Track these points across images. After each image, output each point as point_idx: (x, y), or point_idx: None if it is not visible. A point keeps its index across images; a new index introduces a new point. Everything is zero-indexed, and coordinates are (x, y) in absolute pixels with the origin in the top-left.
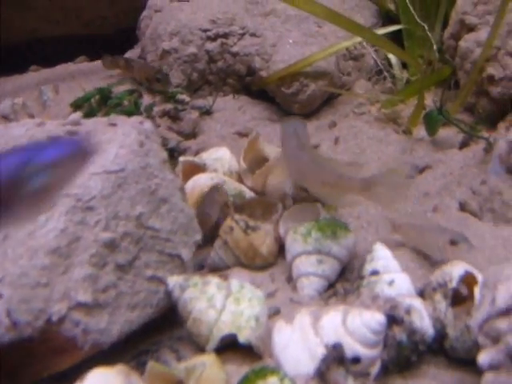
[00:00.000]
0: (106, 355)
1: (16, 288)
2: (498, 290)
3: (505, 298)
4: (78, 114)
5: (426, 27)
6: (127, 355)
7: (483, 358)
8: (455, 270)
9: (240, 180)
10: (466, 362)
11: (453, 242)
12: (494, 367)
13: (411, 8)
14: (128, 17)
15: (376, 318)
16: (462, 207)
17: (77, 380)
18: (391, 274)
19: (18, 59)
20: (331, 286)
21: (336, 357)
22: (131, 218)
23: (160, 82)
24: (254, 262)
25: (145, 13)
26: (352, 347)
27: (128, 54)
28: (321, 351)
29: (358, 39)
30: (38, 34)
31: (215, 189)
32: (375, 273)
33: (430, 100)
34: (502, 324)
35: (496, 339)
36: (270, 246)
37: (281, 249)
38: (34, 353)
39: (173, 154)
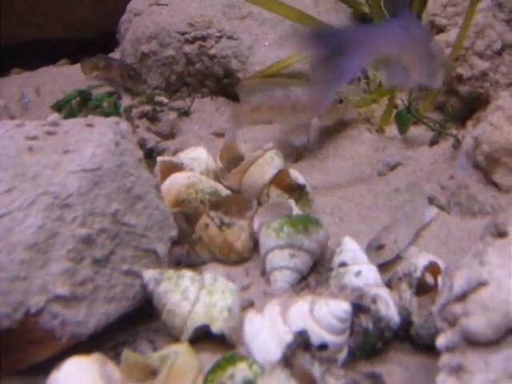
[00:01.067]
0: (84, 346)
1: None
2: (456, 277)
3: (461, 284)
4: (56, 116)
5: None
6: (105, 346)
7: (441, 341)
8: (420, 261)
9: (217, 179)
10: (430, 347)
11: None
12: (450, 349)
13: (385, 11)
14: (109, 21)
15: (342, 307)
16: (431, 202)
17: (53, 370)
18: (358, 265)
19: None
20: (303, 278)
21: (301, 343)
22: (107, 215)
23: (132, 78)
24: (229, 257)
25: (124, 16)
26: (319, 334)
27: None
28: (289, 339)
29: None
30: (19, 38)
31: None
32: (343, 264)
33: (401, 99)
34: (457, 308)
35: (452, 323)
36: (244, 242)
37: (255, 244)
38: (14, 344)
39: (151, 154)
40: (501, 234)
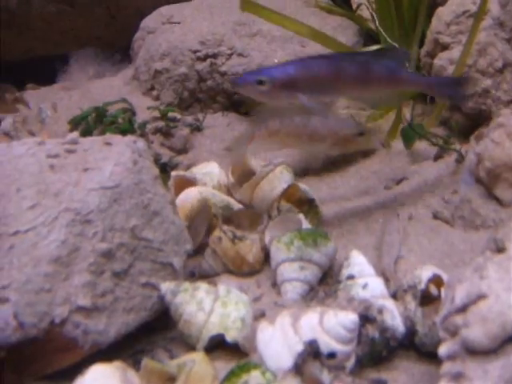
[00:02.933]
0: (105, 354)
1: (22, 293)
2: (457, 290)
3: (461, 296)
4: (75, 134)
5: (398, 47)
6: (124, 354)
7: (442, 350)
8: (424, 273)
9: (228, 193)
10: (434, 355)
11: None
12: (451, 357)
13: (387, 29)
14: (122, 37)
15: (350, 318)
16: (435, 215)
17: (78, 376)
18: (365, 278)
19: (16, 77)
20: (312, 289)
21: (311, 352)
22: (126, 230)
23: None
24: (241, 269)
25: (138, 34)
26: (328, 344)
27: (122, 74)
28: (299, 348)
29: None
30: (36, 53)
31: (204, 209)
32: (351, 277)
33: (409, 114)
34: (458, 319)
35: (454, 333)
36: (256, 255)
37: (266, 257)
38: (39, 351)
39: (165, 169)
40: (499, 250)
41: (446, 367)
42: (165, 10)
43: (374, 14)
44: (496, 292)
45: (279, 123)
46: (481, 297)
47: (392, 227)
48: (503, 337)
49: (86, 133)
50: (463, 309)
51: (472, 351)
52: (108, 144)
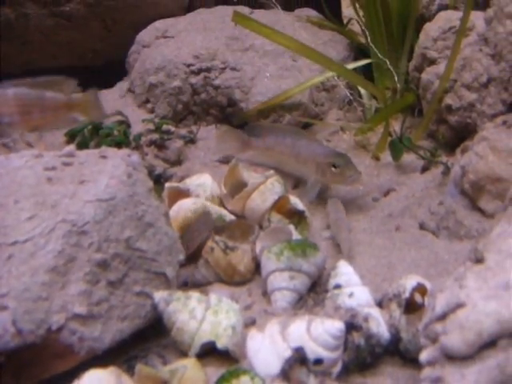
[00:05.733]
0: (100, 360)
1: (20, 301)
2: (438, 299)
3: (442, 305)
4: (71, 147)
5: (388, 62)
6: (119, 360)
7: (423, 356)
8: (408, 282)
9: (221, 204)
10: (418, 361)
11: None
12: (431, 363)
13: (377, 44)
14: (117, 50)
15: (336, 326)
16: (422, 226)
17: (74, 380)
18: (352, 287)
19: None
20: (302, 298)
21: (298, 358)
22: (121, 241)
23: None
24: (233, 279)
25: (133, 48)
26: (315, 350)
27: (118, 87)
28: (287, 354)
29: (331, 74)
30: (34, 66)
31: (205, 217)
32: (338, 286)
33: (397, 127)
34: (438, 327)
35: (434, 340)
36: (247, 264)
37: (257, 266)
38: (37, 357)
39: (159, 180)
40: (478, 260)
41: (427, 372)
42: (159, 24)
43: (364, 29)
44: (473, 301)
45: (274, 139)
46: (459, 305)
47: (334, 207)
48: (479, 343)
49: (83, 144)
50: (443, 317)
51: (450, 357)
52: (103, 157)
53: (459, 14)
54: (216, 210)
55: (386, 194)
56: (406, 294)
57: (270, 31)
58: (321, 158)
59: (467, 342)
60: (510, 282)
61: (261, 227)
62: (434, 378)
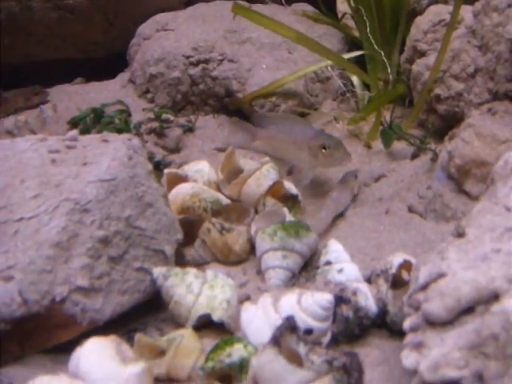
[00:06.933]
0: (101, 332)
1: (26, 273)
2: (421, 271)
3: (424, 276)
4: (75, 132)
5: (383, 53)
6: (119, 333)
7: (406, 323)
8: (395, 259)
9: (218, 189)
10: (404, 333)
11: None
12: (413, 329)
13: (371, 37)
14: (119, 42)
15: (325, 297)
16: (410, 209)
17: (77, 347)
18: (342, 263)
19: (18, 80)
20: (294, 276)
21: (288, 326)
22: (121, 219)
23: (38, 94)
24: (228, 259)
25: (134, 40)
26: (305, 321)
27: (119, 77)
28: (279, 324)
29: (324, 63)
30: (37, 58)
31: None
32: (328, 263)
33: (388, 117)
34: (420, 296)
35: (417, 308)
36: (242, 245)
37: (252, 248)
38: (41, 327)
39: (159, 167)
40: (460, 235)
41: (409, 338)
42: (160, 17)
43: (359, 22)
44: (453, 271)
45: (276, 128)
46: (440, 275)
47: (344, 186)
48: (458, 309)
49: (85, 132)
50: (425, 287)
51: (431, 323)
52: (105, 141)
53: (449, 7)
54: (213, 194)
55: (377, 179)
56: (393, 270)
57: (269, 21)
58: (312, 140)
59: (447, 308)
60: (487, 253)
61: (256, 211)
62: (416, 343)
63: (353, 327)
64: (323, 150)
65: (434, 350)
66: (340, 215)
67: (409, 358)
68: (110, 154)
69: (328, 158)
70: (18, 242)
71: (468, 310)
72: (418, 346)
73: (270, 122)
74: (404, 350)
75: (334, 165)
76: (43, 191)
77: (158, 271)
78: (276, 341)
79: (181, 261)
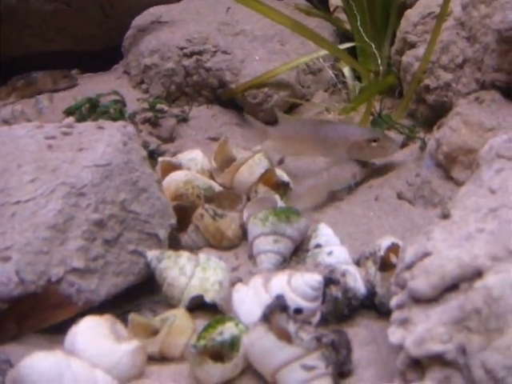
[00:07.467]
0: (96, 312)
1: (23, 254)
2: (407, 251)
3: (410, 255)
4: (71, 119)
5: (373, 46)
6: (114, 313)
7: (393, 301)
8: (384, 242)
9: (211, 177)
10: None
11: None
12: (399, 306)
13: (361, 30)
14: (114, 35)
15: (315, 278)
16: (399, 196)
17: (72, 325)
18: (331, 246)
19: (16, 71)
20: (285, 260)
21: (278, 305)
22: (116, 203)
23: (67, 77)
24: (221, 244)
25: (129, 32)
26: (295, 300)
27: (114, 68)
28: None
29: (316, 55)
30: (33, 49)
31: None
32: (318, 246)
33: (378, 108)
34: (406, 275)
35: (403, 287)
36: (235, 230)
37: (244, 233)
38: (37, 307)
39: (153, 156)
40: (445, 216)
41: (395, 315)
42: (154, 10)
43: (351, 15)
44: (438, 250)
45: (292, 129)
46: (426, 254)
47: (346, 168)
48: (443, 286)
49: (81, 121)
50: (411, 265)
51: (417, 300)
52: (101, 128)
53: (438, 0)
54: (206, 181)
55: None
56: (381, 252)
57: (267, 8)
58: (357, 136)
59: (431, 285)
60: (471, 233)
61: (248, 199)
62: (402, 319)
63: (342, 307)
64: (373, 143)
65: (419, 325)
66: (334, 196)
67: (395, 334)
68: (105, 141)
69: (378, 150)
70: (16, 224)
71: (452, 287)
72: (404, 323)
73: (284, 122)
74: (391, 327)
75: (384, 156)
76: (40, 175)
77: (152, 254)
78: (266, 318)
79: (176, 246)
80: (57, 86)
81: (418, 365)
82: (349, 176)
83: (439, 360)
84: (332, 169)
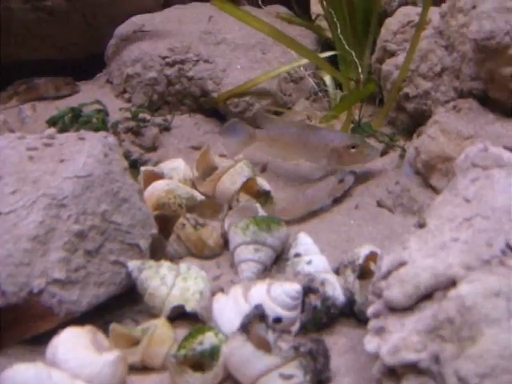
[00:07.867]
0: (78, 323)
1: (4, 266)
2: (383, 260)
3: (386, 264)
4: (52, 130)
5: (354, 54)
6: (95, 324)
7: (369, 310)
8: (362, 251)
9: (193, 186)
10: None
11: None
12: (375, 315)
13: (342, 38)
14: (97, 43)
15: (293, 287)
16: (379, 204)
17: (54, 336)
18: (310, 255)
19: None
20: (266, 269)
21: (257, 314)
22: (97, 214)
23: (69, 84)
24: (202, 253)
25: (112, 41)
26: (274, 310)
27: (97, 78)
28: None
29: (297, 64)
30: (16, 58)
31: None
32: (298, 255)
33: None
34: (382, 284)
35: (379, 296)
36: (216, 239)
37: (226, 242)
38: (19, 318)
39: (136, 165)
40: (421, 226)
41: (372, 323)
42: (137, 19)
43: (332, 24)
44: (413, 259)
45: (278, 130)
46: (401, 264)
47: (322, 187)
48: (417, 295)
49: (63, 131)
50: (387, 275)
51: (392, 309)
52: (81, 139)
53: (417, 9)
54: (188, 190)
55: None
56: (360, 261)
57: (244, 14)
58: (336, 142)
59: (406, 294)
60: (446, 242)
61: (230, 208)
62: (378, 328)
63: (321, 316)
64: (352, 150)
65: (394, 334)
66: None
67: (371, 343)
68: (86, 152)
69: (357, 156)
70: None
71: (427, 296)
72: (380, 331)
73: (270, 124)
74: (367, 336)
75: (363, 162)
76: (21, 187)
77: (133, 264)
78: (244, 328)
79: (163, 254)
80: (59, 92)
81: (394, 373)
82: (325, 195)
83: (414, 368)
84: (308, 191)
